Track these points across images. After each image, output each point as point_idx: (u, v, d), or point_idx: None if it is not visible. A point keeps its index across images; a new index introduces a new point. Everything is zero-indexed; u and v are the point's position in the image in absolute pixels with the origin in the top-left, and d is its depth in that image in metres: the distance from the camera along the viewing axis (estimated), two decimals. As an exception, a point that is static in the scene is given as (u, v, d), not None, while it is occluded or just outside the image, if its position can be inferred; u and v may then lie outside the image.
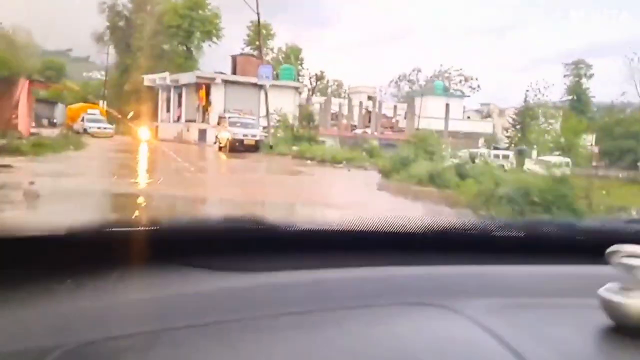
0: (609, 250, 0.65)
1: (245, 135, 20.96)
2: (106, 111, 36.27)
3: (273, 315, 0.68)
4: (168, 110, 34.03)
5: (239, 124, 21.71)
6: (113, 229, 0.77)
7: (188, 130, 29.57)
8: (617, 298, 0.61)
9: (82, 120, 31.60)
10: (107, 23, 44.09)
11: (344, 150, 19.56)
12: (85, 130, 29.52)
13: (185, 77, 29.90)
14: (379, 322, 0.68)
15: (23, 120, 22.39)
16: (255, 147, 20.88)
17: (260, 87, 29.24)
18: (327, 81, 48.77)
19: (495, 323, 0.65)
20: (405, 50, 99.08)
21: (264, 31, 48.33)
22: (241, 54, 33.30)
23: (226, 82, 29.01)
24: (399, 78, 56.15)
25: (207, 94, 29.15)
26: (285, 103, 27.26)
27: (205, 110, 29.54)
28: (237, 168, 15.61)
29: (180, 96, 32.14)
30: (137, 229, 0.81)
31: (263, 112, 26.26)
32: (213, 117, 28.66)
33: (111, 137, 28.95)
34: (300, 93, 31.09)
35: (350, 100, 37.66)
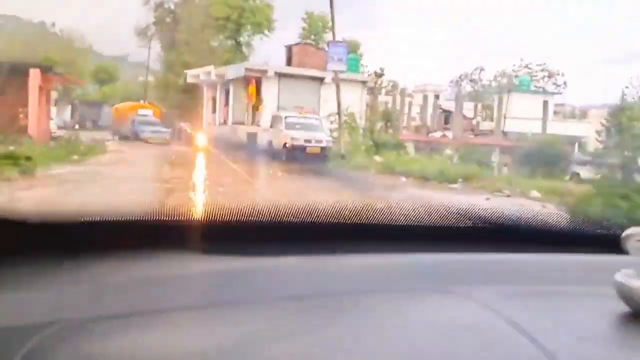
0: (624, 233, 0.67)
1: (307, 140, 15.84)
2: (161, 112, 32.39)
3: (274, 298, 0.66)
4: (214, 110, 29.47)
5: (298, 126, 16.63)
6: (118, 217, 0.77)
7: (236, 134, 24.74)
8: (632, 283, 0.60)
9: (133, 123, 27.37)
10: (154, 18, 40.24)
11: (453, 164, 13.95)
12: (136, 135, 25.94)
13: (232, 71, 25.09)
14: (392, 308, 0.66)
15: (36, 121, 18.02)
16: (321, 157, 15.71)
17: (322, 80, 24.12)
18: (382, 82, 43.21)
19: (512, 309, 0.65)
20: (464, 48, 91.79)
21: (319, 24, 43.55)
22: (297, 43, 28.22)
23: (280, 74, 24.00)
24: (459, 77, 52.31)
25: (258, 90, 24.25)
26: (350, 100, 22.00)
27: (255, 109, 24.63)
28: (302, 192, 10.27)
29: (227, 94, 27.46)
30: (137, 216, 0.79)
31: (324, 112, 21.15)
32: (265, 117, 23.76)
33: (168, 143, 24.78)
34: (367, 88, 25.64)
35: (421, 99, 32.07)
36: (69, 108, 49.75)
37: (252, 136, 23.66)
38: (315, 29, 42.46)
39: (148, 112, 28.99)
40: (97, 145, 17.85)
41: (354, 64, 25.73)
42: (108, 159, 14.82)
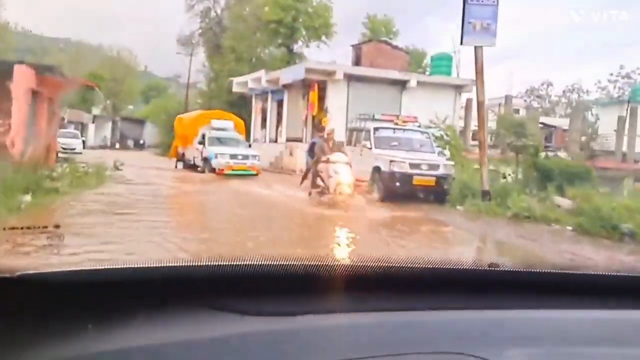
0: None
1: (415, 165, 9.87)
2: (245, 125, 21.15)
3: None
4: (264, 125, 24.08)
5: (396, 142, 10.73)
6: (146, 269, 0.74)
7: (291, 154, 19.13)
8: None
9: (202, 141, 17.27)
10: (199, 28, 35.67)
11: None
12: (207, 163, 16.49)
13: (289, 74, 19.61)
14: None
15: (22, 137, 12.88)
16: (436, 192, 9.73)
17: (404, 84, 18.27)
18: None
19: None
20: (529, 61, 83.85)
21: (382, 29, 37.92)
22: (368, 41, 22.52)
23: (351, 77, 18.31)
24: (525, 92, 47.09)
25: (321, 97, 18.61)
26: (440, 108, 16.03)
27: (317, 122, 18.96)
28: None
29: (280, 104, 22.02)
30: (171, 268, 0.77)
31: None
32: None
33: (256, 174, 16.10)
34: (460, 94, 19.53)
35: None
36: (109, 125, 46.17)
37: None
38: (378, 35, 36.40)
39: (227, 125, 18.37)
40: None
41: (446, 65, 19.72)
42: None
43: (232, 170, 15.65)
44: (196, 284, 0.77)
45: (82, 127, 43.52)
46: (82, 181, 10.10)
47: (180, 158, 19.60)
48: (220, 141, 17.09)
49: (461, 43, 9.27)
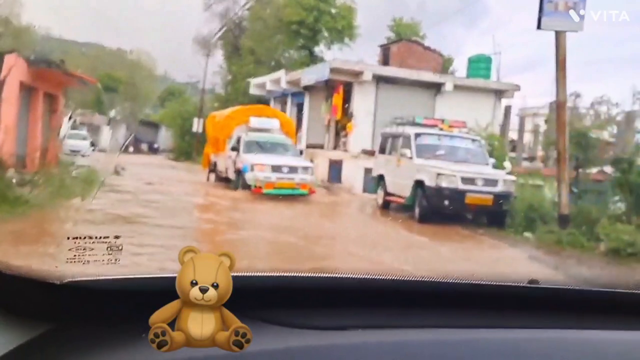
0: None
1: (468, 179, 7.97)
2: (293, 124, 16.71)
3: None
4: (282, 130, 22.26)
5: (442, 152, 8.84)
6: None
7: (311, 161, 17.27)
8: None
9: (236, 146, 13.13)
10: (218, 27, 34.17)
11: None
12: (239, 176, 12.35)
13: (312, 74, 17.85)
14: None
15: (11, 137, 11.31)
16: (494, 213, 7.85)
17: (438, 88, 16.42)
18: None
19: None
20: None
21: (408, 33, 36.04)
22: (398, 41, 20.69)
23: (380, 79, 16.46)
24: (550, 104, 44.01)
25: (346, 100, 16.80)
26: (478, 115, 14.16)
27: (341, 128, 17.22)
28: None
29: (300, 108, 20.28)
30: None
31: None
32: (355, 139, 16.28)
33: (310, 193, 12.10)
34: (500, 100, 17.56)
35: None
36: (123, 128, 44.95)
37: (336, 166, 16.14)
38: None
39: (270, 124, 14.00)
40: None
41: (484, 68, 17.78)
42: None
43: (274, 188, 11.42)
44: (245, 296, 0.75)
45: (96, 129, 42.42)
46: (65, 189, 8.40)
47: (213, 168, 14.72)
48: (259, 146, 12.65)
49: (538, 27, 7.33)
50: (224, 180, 13.71)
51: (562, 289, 0.87)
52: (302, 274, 0.82)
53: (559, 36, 7.28)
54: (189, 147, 32.02)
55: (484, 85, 17.15)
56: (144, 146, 43.74)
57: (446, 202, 7.73)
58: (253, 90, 23.36)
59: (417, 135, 9.25)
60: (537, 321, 0.81)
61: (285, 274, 0.81)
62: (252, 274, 0.80)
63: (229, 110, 16.33)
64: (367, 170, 15.29)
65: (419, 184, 8.18)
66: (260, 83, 22.55)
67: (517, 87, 17.25)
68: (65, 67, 13.37)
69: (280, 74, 20.47)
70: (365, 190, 15.31)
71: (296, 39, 29.71)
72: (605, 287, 0.87)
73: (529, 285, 0.88)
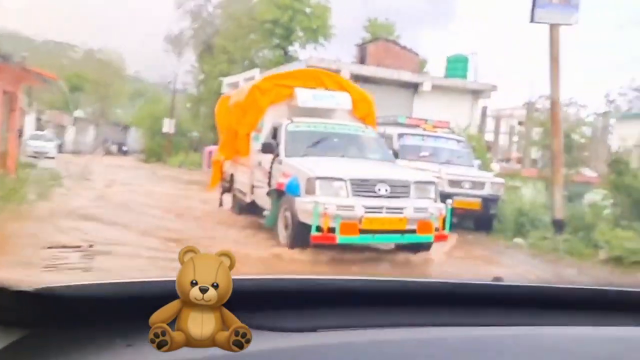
0: None
1: (455, 182, 7.61)
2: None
3: None
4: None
5: (426, 154, 8.32)
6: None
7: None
8: None
9: (271, 145, 7.20)
10: (191, 30, 33.17)
11: None
12: (279, 203, 6.55)
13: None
14: None
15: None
16: (483, 219, 7.62)
17: (416, 88, 16.03)
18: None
19: None
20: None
21: (384, 33, 35.73)
22: (375, 39, 20.22)
23: (357, 77, 15.90)
24: (523, 106, 44.90)
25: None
26: (455, 115, 13.84)
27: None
28: None
29: (275, 108, 19.51)
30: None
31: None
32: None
33: (438, 240, 6.23)
34: (477, 101, 17.28)
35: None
36: (90, 129, 43.36)
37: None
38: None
39: (334, 100, 7.87)
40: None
41: (461, 67, 17.45)
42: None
43: (360, 232, 5.89)
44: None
45: (63, 130, 40.78)
46: (17, 194, 7.55)
47: (228, 187, 9.09)
48: (319, 144, 7.22)
49: (531, 20, 6.88)
50: (249, 210, 8.03)
51: (525, 287, 0.88)
52: (267, 277, 0.80)
53: (553, 30, 6.84)
54: (159, 148, 30.96)
55: (462, 86, 16.82)
56: (114, 147, 42.29)
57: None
58: (226, 89, 22.57)
59: (401, 135, 8.71)
60: (502, 318, 0.81)
61: (250, 277, 0.79)
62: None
63: (256, 80, 9.89)
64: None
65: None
66: (233, 82, 21.79)
67: (494, 88, 16.98)
68: (24, 62, 12.42)
69: (255, 72, 19.77)
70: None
71: (270, 38, 29.02)
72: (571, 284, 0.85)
73: (493, 282, 0.89)
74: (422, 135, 9.01)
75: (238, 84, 21.33)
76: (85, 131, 42.53)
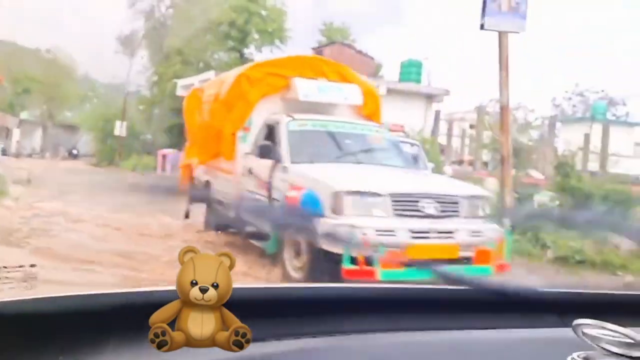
0: (574, 322, 0.66)
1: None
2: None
3: None
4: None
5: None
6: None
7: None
8: None
9: (268, 148, 6.12)
10: (143, 29, 32.28)
11: None
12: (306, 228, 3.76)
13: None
14: None
15: None
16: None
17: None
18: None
19: None
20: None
21: (339, 37, 35.94)
22: (330, 43, 20.26)
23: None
24: (474, 109, 46.25)
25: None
26: (410, 119, 14.09)
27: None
28: None
29: (231, 111, 19.26)
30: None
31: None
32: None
33: (500, 271, 4.94)
34: (431, 105, 17.62)
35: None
36: (38, 131, 41.51)
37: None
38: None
39: (339, 93, 6.76)
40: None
41: (415, 72, 17.72)
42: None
43: (406, 265, 4.29)
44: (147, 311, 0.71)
45: (7, 132, 38.86)
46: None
47: (198, 196, 7.77)
48: (331, 151, 6.14)
49: (481, 27, 7.02)
50: (229, 226, 6.92)
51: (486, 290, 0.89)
52: (248, 286, 0.79)
53: (502, 37, 7.02)
54: (112, 152, 29.95)
55: (416, 89, 17.07)
56: (63, 150, 40.61)
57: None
58: (180, 91, 22.07)
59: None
60: (486, 321, 0.81)
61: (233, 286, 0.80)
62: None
63: (243, 67, 7.75)
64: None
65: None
66: (187, 84, 21.29)
67: (447, 92, 17.33)
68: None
69: (210, 74, 19.42)
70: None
71: (225, 41, 28.65)
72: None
73: (472, 287, 0.90)
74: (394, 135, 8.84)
75: (193, 86, 20.89)
76: (31, 134, 40.71)
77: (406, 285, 0.89)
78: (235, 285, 0.76)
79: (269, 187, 5.65)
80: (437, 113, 18.12)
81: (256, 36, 28.99)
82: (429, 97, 17.18)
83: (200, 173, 7.69)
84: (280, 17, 29.27)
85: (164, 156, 23.64)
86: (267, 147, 5.87)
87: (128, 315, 0.72)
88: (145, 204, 9.55)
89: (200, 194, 7.42)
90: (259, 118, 6.52)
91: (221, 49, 29.23)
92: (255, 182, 6.00)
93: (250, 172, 6.17)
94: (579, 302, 0.88)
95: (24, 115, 41.33)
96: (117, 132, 28.67)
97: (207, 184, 7.41)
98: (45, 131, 41.88)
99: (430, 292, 0.90)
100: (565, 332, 0.68)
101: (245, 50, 29.50)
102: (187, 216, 7.87)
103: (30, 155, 36.43)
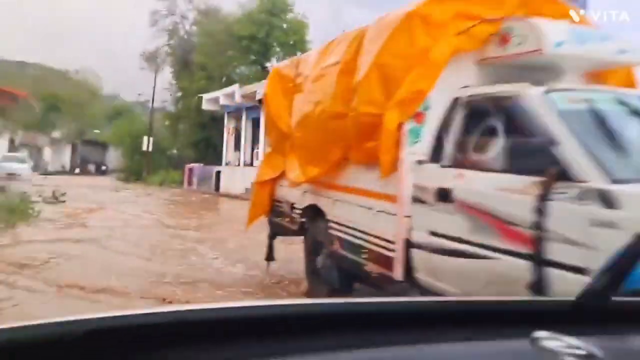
0: (532, 335, 0.65)
1: None
2: None
3: None
4: (237, 147, 21.14)
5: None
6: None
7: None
8: None
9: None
10: (167, 47, 32.60)
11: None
12: None
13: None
14: None
15: None
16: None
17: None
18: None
19: None
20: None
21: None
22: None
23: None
24: None
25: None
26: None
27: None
28: None
29: (256, 123, 19.23)
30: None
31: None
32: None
33: None
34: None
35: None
36: (67, 149, 42.22)
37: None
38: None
39: (614, 41, 3.48)
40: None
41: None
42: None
43: None
44: (154, 335, 0.67)
45: (38, 150, 39.61)
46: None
47: (299, 229, 5.05)
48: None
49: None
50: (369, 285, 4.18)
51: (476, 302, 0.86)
52: (227, 305, 0.76)
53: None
54: (139, 167, 30.17)
55: None
56: (91, 167, 41.19)
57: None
58: (205, 106, 22.07)
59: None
60: (476, 334, 0.80)
61: (212, 306, 0.75)
62: (153, 311, 0.70)
63: (412, 4, 3.76)
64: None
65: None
66: (213, 98, 21.30)
67: None
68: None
69: (235, 88, 19.34)
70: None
71: (248, 54, 28.71)
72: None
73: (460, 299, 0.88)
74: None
75: (218, 100, 20.82)
76: (61, 151, 41.42)
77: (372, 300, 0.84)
78: (210, 305, 0.71)
79: (536, 239, 2.61)
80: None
81: (278, 49, 28.99)
82: None
83: (295, 195, 4.94)
84: (302, 29, 29.23)
85: (190, 170, 23.63)
86: (535, 147, 2.81)
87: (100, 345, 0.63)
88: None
89: (296, 228, 4.97)
90: (442, 96, 3.50)
91: (244, 63, 29.28)
92: (469, 223, 3.07)
93: (442, 197, 3.25)
94: (542, 312, 0.85)
95: (54, 134, 42.12)
96: (144, 147, 28.87)
97: (316, 211, 4.67)
98: (75, 148, 42.56)
99: (389, 306, 0.86)
100: (524, 345, 0.65)
101: (268, 64, 29.55)
102: (269, 257, 5.49)
103: (60, 173, 37.00)
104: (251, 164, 19.35)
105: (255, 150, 19.34)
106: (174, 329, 0.69)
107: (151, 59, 31.52)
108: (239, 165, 20.37)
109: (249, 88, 18.31)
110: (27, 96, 15.88)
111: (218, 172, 20.74)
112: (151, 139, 28.72)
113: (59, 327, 0.65)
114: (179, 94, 30.24)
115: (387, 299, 0.91)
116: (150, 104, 32.96)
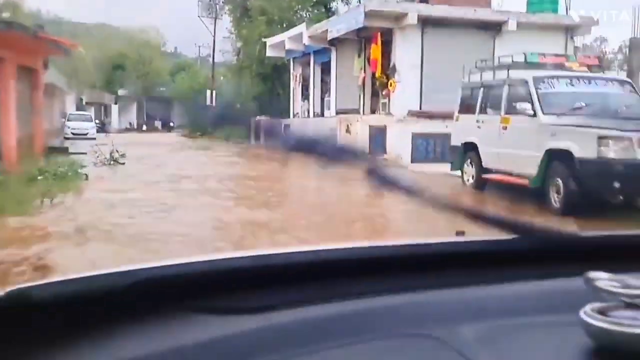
0: (588, 275, 0.63)
1: None
2: None
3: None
4: (305, 96, 19.10)
5: (582, 104, 5.39)
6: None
7: (347, 131, 14.22)
8: (597, 322, 0.57)
9: None
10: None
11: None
12: None
13: (340, 24, 14.47)
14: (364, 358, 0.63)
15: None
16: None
17: (498, 28, 13.02)
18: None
19: (481, 352, 0.63)
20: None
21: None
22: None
23: (427, 21, 13.06)
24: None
25: (385, 53, 13.49)
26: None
27: (381, 87, 13.95)
28: None
29: (326, 68, 17.00)
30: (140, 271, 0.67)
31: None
32: (399, 99, 13.06)
33: None
34: (572, 38, 14.07)
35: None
36: (134, 106, 41.87)
37: (378, 133, 12.92)
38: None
39: None
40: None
41: (549, 1, 14.11)
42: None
43: None
44: (162, 286, 0.66)
45: (105, 109, 39.44)
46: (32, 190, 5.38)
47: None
48: None
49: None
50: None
51: (490, 241, 0.82)
52: (218, 257, 0.73)
53: None
54: (203, 122, 29.01)
55: (554, 21, 13.56)
56: (158, 123, 40.74)
57: (616, 184, 4.49)
58: (270, 52, 20.00)
59: (539, 80, 5.92)
60: (467, 277, 0.76)
61: (201, 259, 0.72)
62: (162, 264, 0.68)
63: None
64: (415, 137, 12.34)
65: (556, 155, 4.96)
66: (277, 43, 19.16)
67: (595, 21, 13.62)
68: (39, 32, 10.15)
69: (301, 28, 17.04)
70: (413, 160, 12.28)
71: (309, -4, 26.03)
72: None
73: (455, 239, 0.84)
74: (571, 78, 6.07)
75: (283, 45, 18.66)
76: (128, 109, 41.16)
77: (422, 241, 0.80)
78: (199, 259, 0.68)
79: None
80: (577, 50, 14.50)
81: (343, -13, 26.10)
82: (570, 30, 13.61)
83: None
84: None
85: (257, 124, 21.92)
86: None
87: (119, 298, 0.62)
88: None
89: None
90: None
91: (306, 5, 26.67)
92: None
93: None
94: (602, 248, 0.79)
95: (120, 92, 41.83)
96: (207, 101, 27.50)
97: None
98: (141, 106, 42.20)
99: (441, 247, 0.82)
100: (578, 284, 0.62)
101: (333, 5, 26.79)
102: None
103: (128, 130, 36.68)
104: (322, 114, 17.26)
105: (326, 99, 17.22)
106: (218, 277, 0.68)
107: (209, 6, 29.54)
108: (308, 116, 18.36)
109: (319, 27, 15.96)
110: (77, 46, 14.56)
111: (287, 126, 18.87)
112: (214, 92, 27.18)
113: (105, 279, 0.63)
114: (239, 43, 28.29)
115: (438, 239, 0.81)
116: (209, 59, 31.34)
